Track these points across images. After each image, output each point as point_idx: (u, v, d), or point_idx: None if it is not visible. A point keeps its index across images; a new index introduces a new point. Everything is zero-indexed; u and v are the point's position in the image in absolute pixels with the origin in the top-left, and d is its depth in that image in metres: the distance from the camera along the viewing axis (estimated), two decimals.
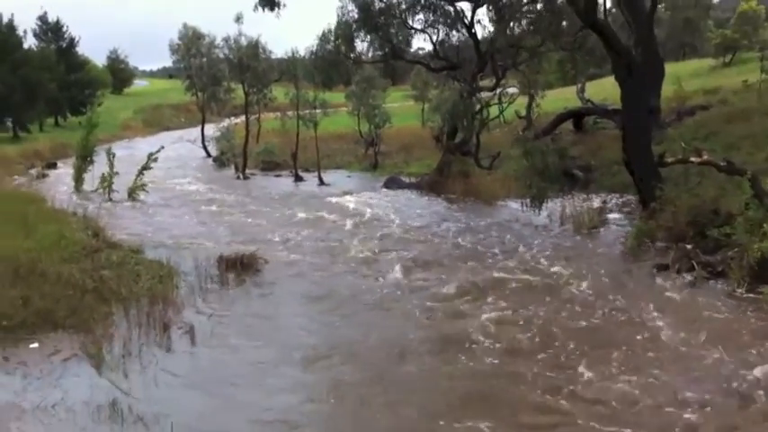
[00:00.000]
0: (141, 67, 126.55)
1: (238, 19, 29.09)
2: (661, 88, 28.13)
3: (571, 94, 34.90)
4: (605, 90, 32.48)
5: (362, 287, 14.87)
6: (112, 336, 11.48)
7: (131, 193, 26.59)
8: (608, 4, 28.13)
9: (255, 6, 24.61)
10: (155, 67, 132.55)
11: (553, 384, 9.69)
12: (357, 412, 9.29)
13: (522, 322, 12.25)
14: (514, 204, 22.73)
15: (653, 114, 25.45)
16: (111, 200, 26.04)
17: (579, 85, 34.46)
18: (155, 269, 15.18)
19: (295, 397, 9.64)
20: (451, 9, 27.71)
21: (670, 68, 41.39)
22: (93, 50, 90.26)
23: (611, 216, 20.29)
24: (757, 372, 9.60)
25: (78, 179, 28.23)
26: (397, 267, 16.08)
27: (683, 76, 36.18)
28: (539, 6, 20.03)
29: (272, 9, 24.29)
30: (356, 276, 15.73)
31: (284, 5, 24.38)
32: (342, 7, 27.11)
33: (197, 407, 9.35)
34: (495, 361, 10.63)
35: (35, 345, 10.95)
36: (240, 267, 15.64)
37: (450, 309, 13.17)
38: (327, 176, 32.72)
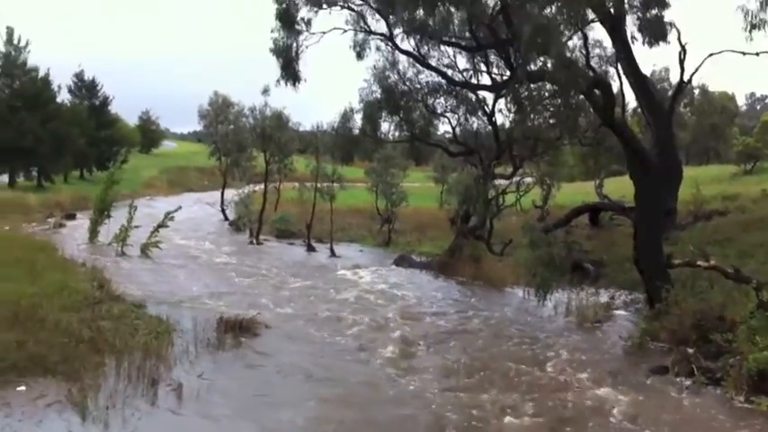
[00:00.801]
0: (173, 129, 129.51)
1: (265, 91, 29.77)
2: (678, 190, 28.24)
3: (590, 189, 35.06)
4: (624, 187, 32.46)
5: (356, 365, 14.74)
6: (100, 386, 11.46)
7: (144, 249, 26.78)
8: (632, 104, 28.76)
9: (278, 81, 25.16)
10: (186, 131, 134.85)
11: None
12: None
13: (506, 411, 12.09)
14: (522, 292, 22.65)
15: (669, 216, 25.52)
16: (123, 254, 26.23)
17: (597, 181, 34.63)
18: (153, 325, 15.22)
19: None
20: (473, 96, 28.16)
21: (691, 172, 41.78)
22: (128, 110, 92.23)
23: (618, 312, 20.17)
24: None
25: (93, 231, 28.52)
26: (395, 347, 15.94)
27: (704, 181, 36.36)
28: (558, 101, 20.30)
29: (294, 84, 24.81)
30: (352, 353, 15.60)
31: (305, 80, 24.90)
32: (365, 87, 27.62)
33: None
34: None
35: (22, 388, 10.96)
36: (239, 330, 15.62)
37: (442, 394, 12.98)
38: (340, 249, 32.84)
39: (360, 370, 14.37)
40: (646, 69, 24.39)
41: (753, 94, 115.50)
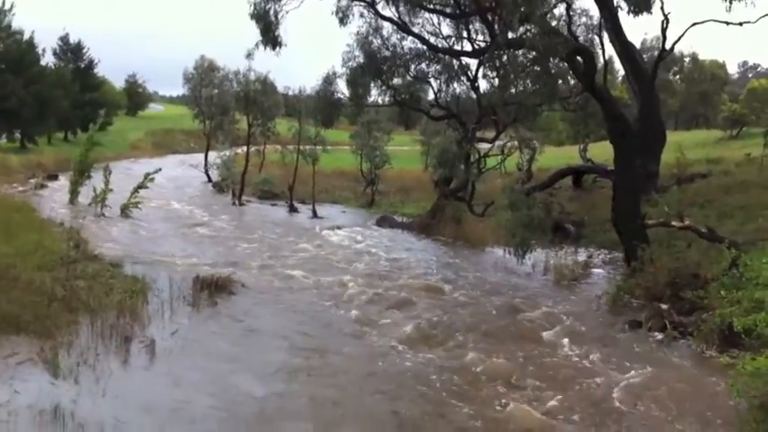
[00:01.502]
0: (162, 92, 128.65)
1: (249, 55, 29.53)
2: (661, 154, 28.33)
3: (576, 153, 35.08)
4: (610, 151, 32.66)
5: (331, 319, 14.83)
6: (72, 344, 11.45)
7: (124, 210, 26.67)
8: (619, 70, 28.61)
9: (256, 45, 25.04)
10: (175, 94, 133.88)
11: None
12: None
13: (469, 361, 12.29)
14: (501, 252, 22.72)
15: (651, 178, 25.64)
16: (103, 215, 26.11)
17: (582, 145, 34.66)
18: (128, 284, 15.17)
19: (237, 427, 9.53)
20: (456, 62, 28.03)
21: (678, 137, 41.94)
22: (117, 74, 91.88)
23: (595, 270, 20.39)
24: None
25: (73, 192, 28.35)
26: (370, 305, 16.03)
27: (690, 145, 36.38)
28: (536, 68, 20.30)
29: (273, 48, 24.66)
30: (326, 308, 15.67)
31: (285, 45, 24.73)
32: (348, 52, 27.44)
33: (140, 420, 9.25)
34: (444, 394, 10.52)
35: None
36: (214, 289, 15.59)
37: (412, 347, 13.07)
38: (323, 210, 32.84)
39: (334, 328, 14.38)
40: (636, 38, 24.30)
41: (745, 63, 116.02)
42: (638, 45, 32.40)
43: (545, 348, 13.30)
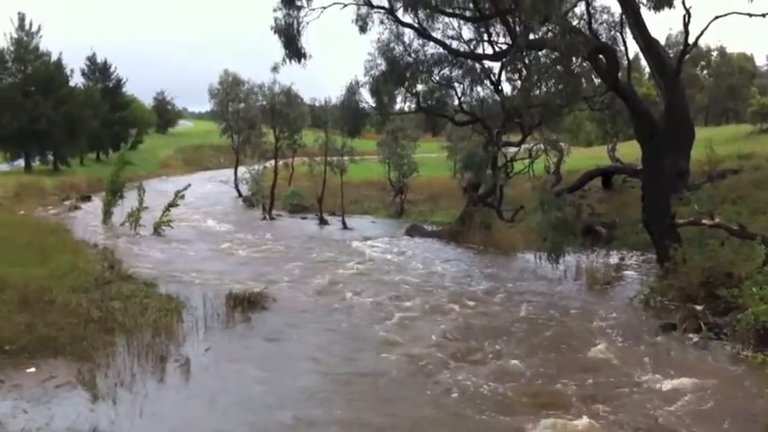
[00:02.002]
0: (191, 109, 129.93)
1: (275, 68, 29.81)
2: (690, 151, 28.06)
3: (605, 153, 34.81)
4: (639, 150, 32.39)
5: (366, 334, 14.78)
6: (109, 365, 11.61)
7: (157, 228, 26.99)
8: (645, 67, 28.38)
9: (283, 59, 25.31)
10: (203, 110, 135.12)
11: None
12: None
13: (511, 372, 12.17)
14: (533, 257, 22.62)
15: (681, 176, 25.41)
16: (137, 233, 26.45)
17: (610, 145, 34.37)
18: (163, 303, 15.40)
19: None
20: (478, 66, 28.01)
21: (707, 132, 41.46)
22: (144, 92, 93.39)
23: (628, 273, 20.17)
24: None
25: (106, 212, 28.77)
26: (405, 317, 15.96)
27: (719, 141, 35.93)
28: (558, 68, 20.23)
29: (299, 61, 24.94)
30: (362, 321, 15.64)
31: (311, 56, 24.96)
32: (370, 60, 27.55)
33: None
34: (485, 414, 10.48)
35: (32, 369, 11.12)
36: (247, 305, 15.73)
37: (449, 357, 13.03)
38: (352, 221, 32.93)
39: (369, 339, 14.38)
40: (661, 34, 24.15)
41: None
42: (662, 41, 32.27)
43: (579, 355, 13.19)
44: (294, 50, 24.71)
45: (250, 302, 15.86)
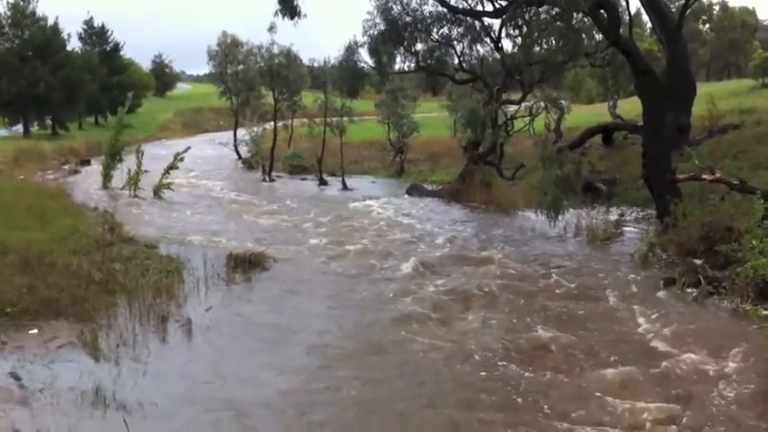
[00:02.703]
0: (189, 71, 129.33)
1: (271, 28, 29.52)
2: (692, 106, 27.82)
3: (606, 110, 34.62)
4: (640, 106, 32.21)
5: (367, 290, 14.80)
6: (110, 326, 11.68)
7: (156, 191, 26.97)
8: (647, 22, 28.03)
9: (276, 13, 25.00)
10: (202, 72, 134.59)
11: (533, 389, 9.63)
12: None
13: (510, 329, 12.22)
14: (533, 215, 22.64)
15: (682, 132, 25.24)
16: (136, 197, 26.44)
17: (611, 101, 34.14)
18: (164, 264, 15.42)
19: (278, 398, 9.56)
20: (478, 24, 27.72)
21: (709, 88, 41.14)
22: (143, 56, 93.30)
23: (628, 229, 20.19)
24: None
25: (106, 176, 28.71)
26: (404, 271, 16.13)
27: (721, 96, 35.70)
28: (558, 24, 20.02)
29: (291, 17, 24.63)
30: (362, 279, 15.69)
31: (305, 15, 24.67)
32: (369, 20, 27.28)
33: (180, 396, 9.41)
34: (486, 363, 10.55)
35: (34, 331, 11.15)
36: (248, 265, 15.78)
37: (448, 314, 13.10)
38: (352, 182, 32.95)
39: (369, 295, 14.45)
40: None
41: None
42: None
43: (579, 310, 13.22)
44: (289, 7, 24.40)
45: (251, 263, 15.90)
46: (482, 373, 10.30)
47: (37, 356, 10.26)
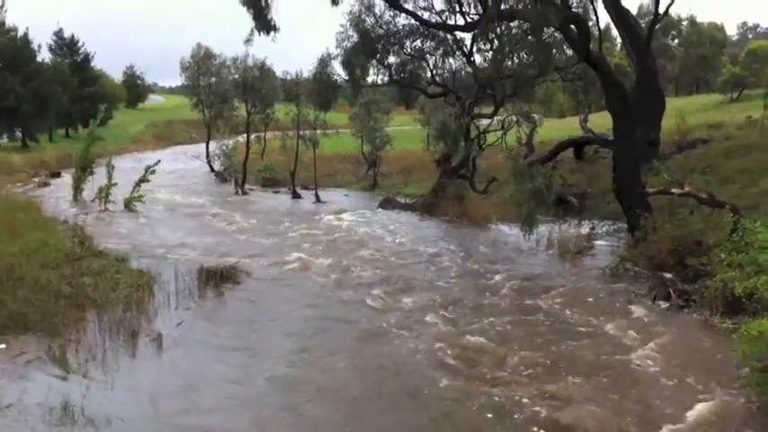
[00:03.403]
0: (162, 83, 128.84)
1: (248, 41, 29.45)
2: (661, 121, 28.29)
3: (577, 124, 34.99)
4: (611, 121, 32.56)
5: (337, 306, 14.78)
6: (80, 340, 11.55)
7: (128, 204, 26.80)
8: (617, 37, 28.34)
9: (251, 31, 24.95)
10: (174, 84, 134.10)
11: (503, 402, 9.66)
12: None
13: (486, 340, 12.23)
14: (506, 228, 22.78)
15: (651, 146, 25.62)
16: (107, 210, 26.23)
17: (582, 116, 34.51)
18: (134, 278, 15.25)
19: (246, 413, 9.53)
20: (450, 37, 27.90)
21: (678, 102, 41.78)
22: (114, 67, 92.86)
23: (599, 243, 20.32)
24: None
25: (77, 189, 28.50)
26: (376, 285, 16.10)
27: (690, 111, 36.30)
28: (530, 39, 20.20)
29: (267, 33, 24.56)
30: (333, 295, 15.61)
31: (279, 29, 24.62)
32: (341, 32, 27.33)
33: (149, 412, 9.34)
34: (457, 380, 10.56)
35: (2, 346, 11.00)
36: (219, 279, 15.70)
37: (420, 327, 13.07)
38: (326, 195, 32.90)
39: (339, 312, 14.40)
40: (632, 4, 24.17)
41: (744, 24, 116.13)
42: (634, 11, 32.33)
43: (547, 323, 13.29)
44: (263, 23, 24.35)
45: (222, 277, 15.82)
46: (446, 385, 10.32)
47: (5, 372, 10.12)
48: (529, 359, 11.31)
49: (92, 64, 67.62)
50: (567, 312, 13.87)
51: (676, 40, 79.35)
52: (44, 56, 59.81)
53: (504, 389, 10.16)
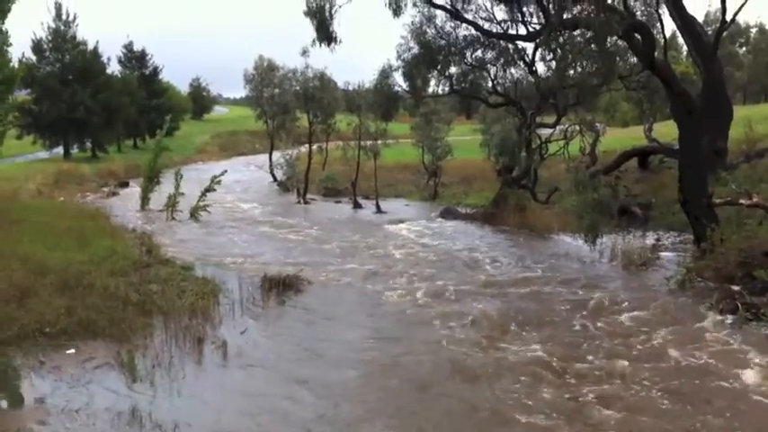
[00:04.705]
0: (226, 95, 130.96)
1: (304, 52, 29.84)
2: (728, 130, 27.53)
3: (641, 133, 34.41)
4: (676, 130, 31.97)
5: (401, 315, 14.82)
6: (147, 347, 11.82)
7: (193, 213, 27.31)
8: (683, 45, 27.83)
9: (313, 42, 25.21)
10: (238, 95, 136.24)
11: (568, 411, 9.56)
12: None
13: (546, 354, 12.10)
14: (568, 239, 22.51)
15: (718, 156, 25.00)
16: (173, 219, 26.78)
17: (647, 125, 33.91)
18: (200, 286, 15.51)
19: (313, 424, 9.57)
20: (512, 47, 27.79)
21: (746, 111, 40.74)
22: (180, 79, 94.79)
23: (665, 254, 19.90)
24: None
25: (144, 198, 29.18)
26: (440, 299, 15.97)
27: (759, 119, 35.25)
28: (593, 47, 19.97)
29: (328, 44, 24.80)
30: (399, 303, 15.67)
31: (340, 41, 24.87)
32: (402, 44, 27.46)
33: (214, 418, 9.50)
34: (514, 388, 10.50)
35: (71, 351, 11.32)
36: (282, 288, 15.89)
37: (484, 340, 12.99)
38: (386, 204, 33.05)
39: (405, 321, 14.44)
40: (699, 11, 23.67)
41: None
42: (700, 18, 31.65)
43: (614, 335, 13.09)
44: (326, 34, 24.60)
45: (285, 285, 16.01)
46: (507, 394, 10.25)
47: (74, 377, 10.41)
48: (593, 370, 11.17)
49: (160, 76, 69.12)
50: (629, 325, 13.64)
51: (744, 48, 77.60)
52: (113, 68, 61.47)
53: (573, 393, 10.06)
